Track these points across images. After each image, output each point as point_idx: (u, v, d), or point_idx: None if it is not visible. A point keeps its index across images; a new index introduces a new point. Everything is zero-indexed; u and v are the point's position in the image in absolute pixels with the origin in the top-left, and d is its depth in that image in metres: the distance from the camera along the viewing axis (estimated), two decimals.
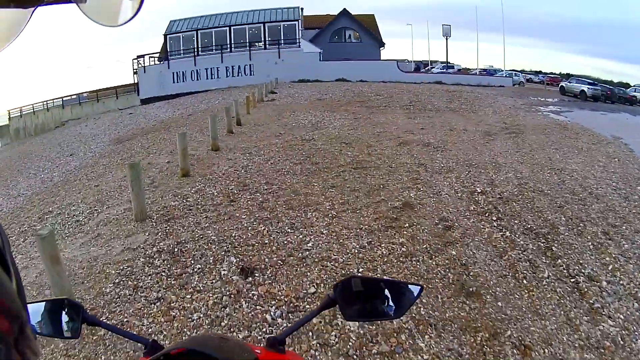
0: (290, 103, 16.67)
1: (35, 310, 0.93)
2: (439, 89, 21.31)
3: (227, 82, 26.20)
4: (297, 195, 5.62)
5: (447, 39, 36.14)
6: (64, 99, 32.62)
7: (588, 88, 20.89)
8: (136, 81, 28.87)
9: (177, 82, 27.29)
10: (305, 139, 9.49)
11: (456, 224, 4.73)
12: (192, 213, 5.18)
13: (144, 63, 28.64)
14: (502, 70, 31.75)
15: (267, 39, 27.19)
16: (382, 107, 15.05)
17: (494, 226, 4.76)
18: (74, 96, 32.99)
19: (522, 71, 35.43)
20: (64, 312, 0.94)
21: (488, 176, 6.67)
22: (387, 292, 0.92)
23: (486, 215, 5.06)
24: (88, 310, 1.13)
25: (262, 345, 0.93)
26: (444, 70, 31.74)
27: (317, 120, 12.09)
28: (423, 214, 4.94)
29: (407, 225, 4.57)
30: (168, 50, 27.95)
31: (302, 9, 28.61)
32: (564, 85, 22.71)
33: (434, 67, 35.43)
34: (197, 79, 27.02)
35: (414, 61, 38.48)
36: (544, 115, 14.28)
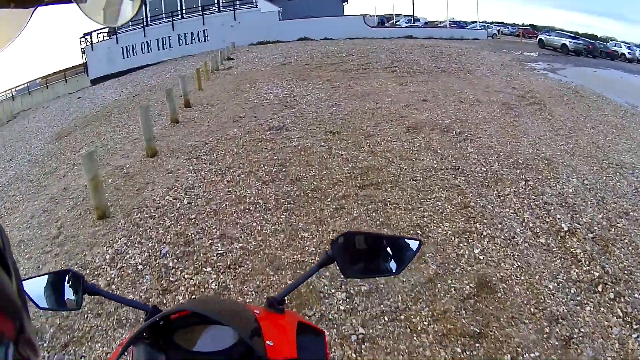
0: (250, 70, 13.37)
1: (38, 285, 0.87)
2: (413, 45, 18.34)
3: (180, 51, 22.46)
4: (278, 271, 2.98)
5: None
6: (17, 89, 27.69)
7: (570, 42, 18.66)
8: (85, 61, 25.29)
9: (127, 56, 23.49)
10: (274, 126, 6.64)
11: (575, 328, 2.38)
12: (99, 333, 2.50)
13: (91, 41, 24.57)
14: (474, 22, 29.01)
15: (221, 0, 23.19)
16: (362, 70, 12.08)
17: (619, 316, 2.51)
18: (25, 85, 28.16)
19: (485, 22, 32.75)
20: (66, 284, 0.87)
21: (552, 188, 4.34)
22: (386, 247, 0.83)
23: (599, 288, 2.76)
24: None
25: (261, 305, 0.85)
26: (412, 24, 28.66)
27: (285, 94, 9.12)
28: (517, 310, 2.51)
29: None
30: None
31: None
32: (543, 38, 20.27)
33: (398, 21, 32.14)
34: (148, 51, 23.19)
35: (376, 15, 34.60)
36: (542, 75, 12.00)
